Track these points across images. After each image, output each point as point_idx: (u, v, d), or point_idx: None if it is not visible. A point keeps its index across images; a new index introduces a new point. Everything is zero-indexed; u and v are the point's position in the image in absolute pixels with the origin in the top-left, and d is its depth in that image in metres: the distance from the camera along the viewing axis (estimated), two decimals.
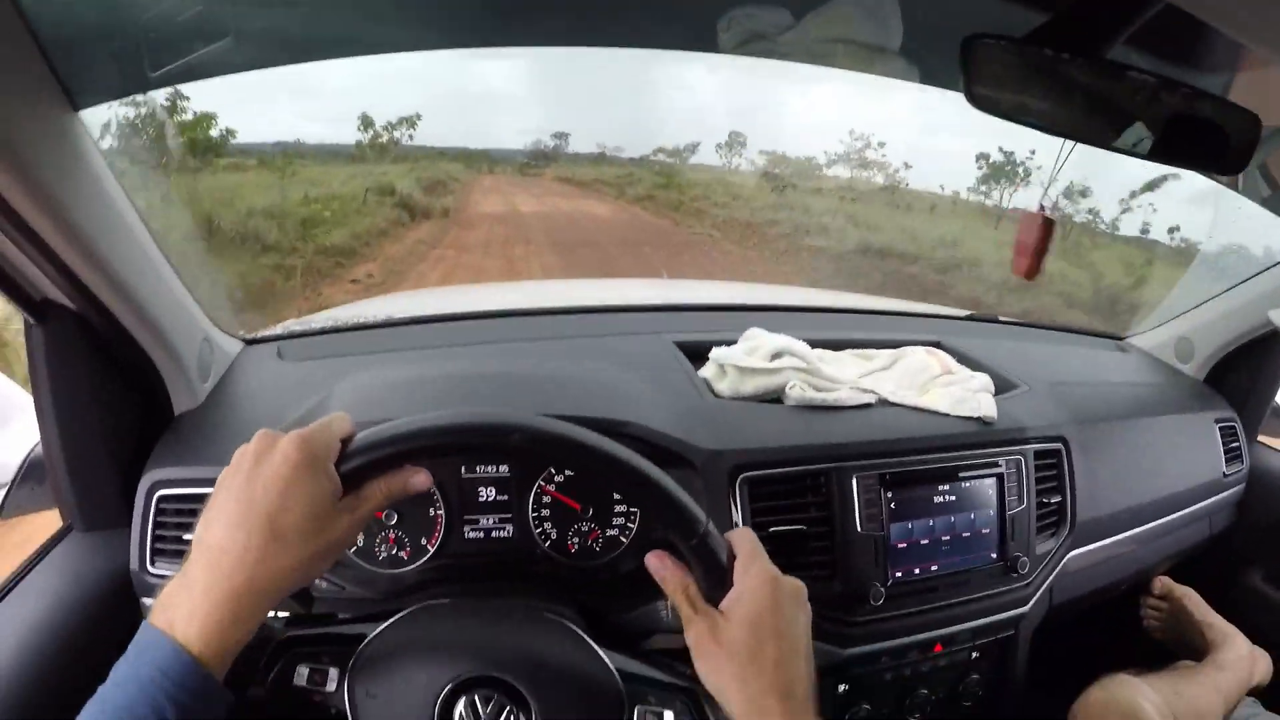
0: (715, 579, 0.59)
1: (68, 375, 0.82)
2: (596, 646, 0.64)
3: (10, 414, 1.07)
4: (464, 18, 0.88)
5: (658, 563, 0.61)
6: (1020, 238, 0.98)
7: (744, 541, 0.60)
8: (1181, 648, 1.26)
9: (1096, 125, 0.79)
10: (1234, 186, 1.25)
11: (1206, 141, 0.77)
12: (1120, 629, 1.36)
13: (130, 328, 0.82)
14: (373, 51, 0.93)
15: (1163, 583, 1.32)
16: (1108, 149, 0.82)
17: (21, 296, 0.75)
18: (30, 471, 1.00)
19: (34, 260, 0.70)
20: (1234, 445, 1.36)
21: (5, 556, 0.88)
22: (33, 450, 0.99)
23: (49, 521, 0.91)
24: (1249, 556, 1.40)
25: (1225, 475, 1.33)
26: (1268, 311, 1.28)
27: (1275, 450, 1.47)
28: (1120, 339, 1.57)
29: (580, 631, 0.65)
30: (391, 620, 0.62)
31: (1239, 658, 1.16)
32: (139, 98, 0.88)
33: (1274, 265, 1.27)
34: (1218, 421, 1.35)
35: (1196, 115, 0.76)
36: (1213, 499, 1.32)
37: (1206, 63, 0.91)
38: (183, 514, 0.84)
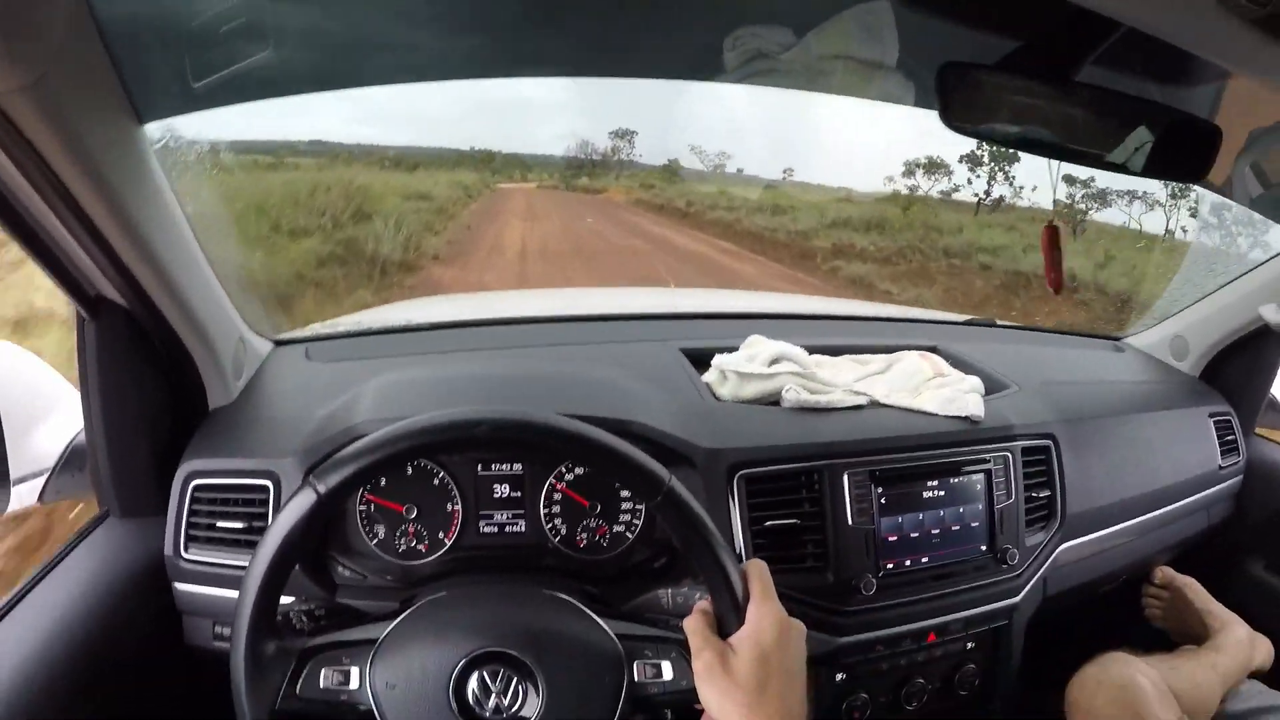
0: (730, 609, 0.65)
1: (114, 369, 0.88)
2: (593, 614, 0.70)
3: (53, 405, 1.13)
4: (477, 51, 0.95)
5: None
6: (1045, 258, 1.00)
7: (757, 581, 0.66)
8: (1183, 636, 1.29)
9: (1068, 143, 0.84)
10: (1224, 191, 1.29)
11: (1172, 153, 0.81)
12: (1121, 619, 1.40)
13: (176, 326, 0.88)
14: (393, 81, 1.00)
15: (1164, 572, 1.35)
16: (1080, 164, 0.87)
17: (78, 292, 0.82)
18: (72, 459, 1.06)
19: (94, 258, 0.76)
20: (1230, 438, 1.40)
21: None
22: (74, 439, 1.05)
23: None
24: (1249, 546, 1.43)
25: (1221, 468, 1.37)
26: (1258, 307, 1.31)
27: (1273, 442, 1.50)
28: (1117, 339, 1.61)
29: (577, 602, 0.72)
30: (401, 616, 0.68)
31: (1237, 641, 1.19)
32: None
33: (1263, 262, 1.31)
34: (1212, 416, 1.38)
35: (1163, 129, 0.81)
36: (1209, 491, 1.35)
37: (1175, 79, 0.96)
38: (215, 503, 0.91)
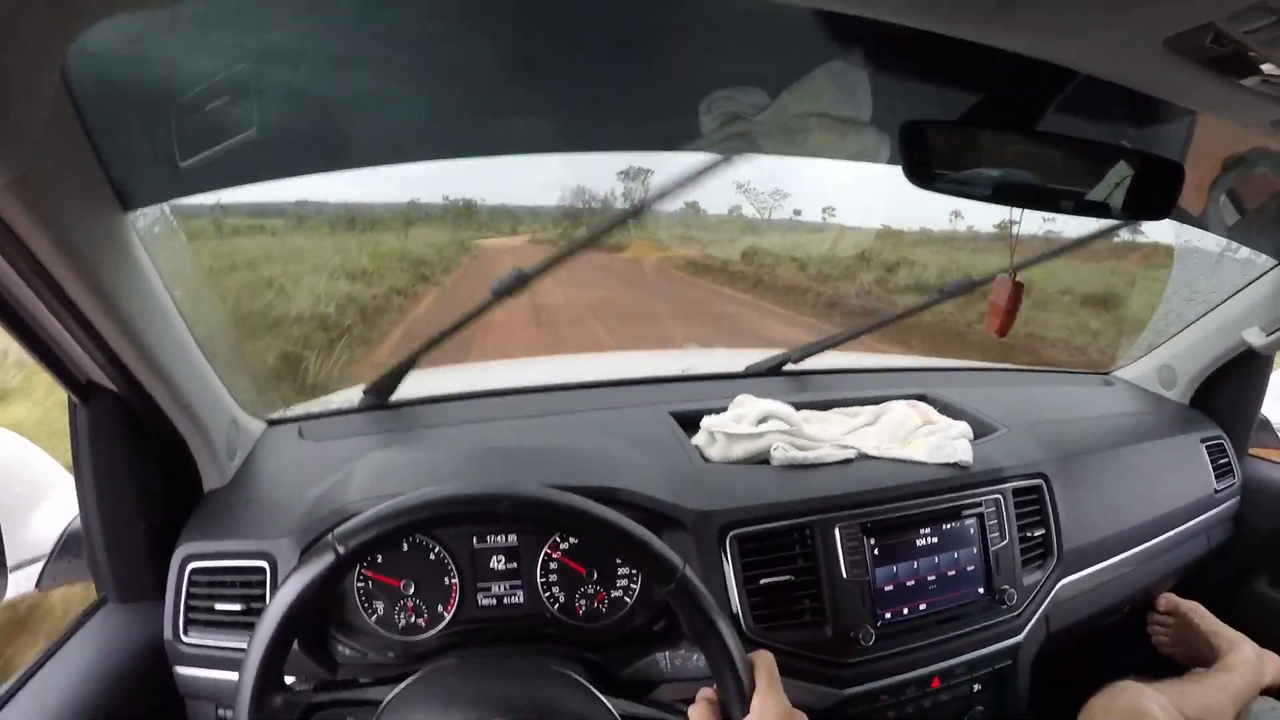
0: (735, 698, 0.67)
1: (107, 453, 0.89)
2: (599, 694, 0.71)
3: (49, 490, 1.14)
4: (459, 132, 0.98)
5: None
6: (993, 299, 1.01)
7: (764, 672, 0.68)
8: (1191, 660, 1.27)
9: (1034, 192, 0.86)
10: (1200, 223, 1.31)
11: (1138, 193, 0.83)
12: (1128, 648, 1.39)
13: (166, 409, 0.89)
14: (373, 164, 1.02)
15: (1168, 599, 1.34)
16: (1046, 210, 0.89)
17: (69, 379, 0.83)
18: (68, 544, 1.07)
19: (83, 345, 0.77)
20: (1224, 461, 1.41)
21: None
22: (70, 524, 1.05)
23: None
24: (1252, 565, 1.43)
25: (1217, 491, 1.37)
26: (1241, 332, 1.33)
27: (1268, 461, 1.51)
28: (1106, 374, 1.62)
29: (583, 680, 0.72)
30: (408, 681, 0.69)
31: (1246, 660, 1.18)
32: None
33: (1242, 288, 1.33)
34: (1204, 441, 1.39)
35: (1124, 170, 0.83)
36: (1207, 515, 1.36)
37: (1131, 119, 0.99)
38: (214, 585, 0.91)
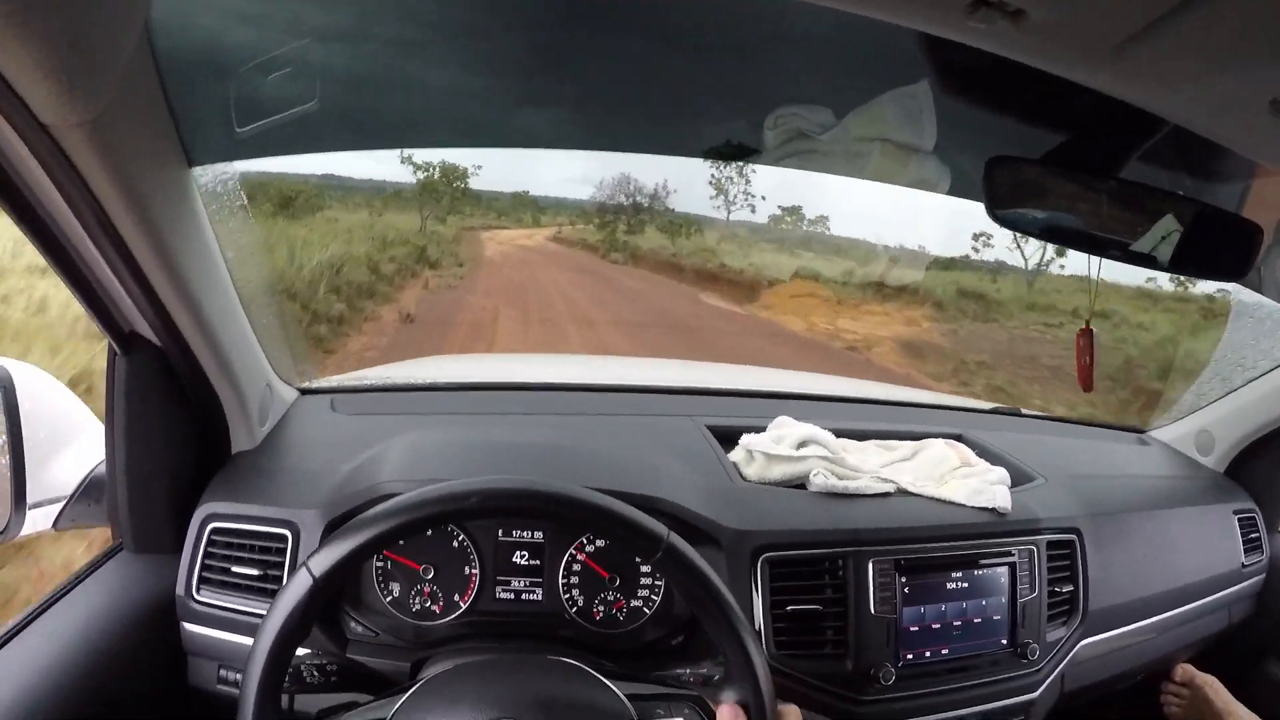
0: (739, 666, 0.65)
1: (142, 405, 0.89)
2: (602, 678, 0.70)
3: (75, 433, 1.14)
4: (523, 124, 0.97)
5: None
6: (1077, 359, 0.99)
7: None
8: None
9: (1112, 240, 0.84)
10: (1254, 286, 1.29)
11: (1214, 251, 0.82)
12: (1137, 717, 1.36)
13: (206, 367, 0.89)
14: (437, 145, 1.02)
15: (1184, 670, 1.32)
16: (1123, 262, 0.87)
17: (112, 327, 0.83)
18: (90, 489, 1.06)
19: (133, 295, 0.77)
20: (1254, 536, 1.38)
21: None
22: (94, 469, 1.05)
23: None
24: (1270, 647, 1.40)
25: (1244, 566, 1.34)
26: None
27: None
28: (1142, 432, 1.60)
29: (586, 667, 0.71)
30: (409, 693, 0.68)
31: None
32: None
33: None
34: (1237, 513, 1.37)
35: (1204, 227, 0.81)
36: (1232, 589, 1.33)
37: (1214, 176, 0.97)
38: (231, 547, 0.91)
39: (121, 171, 0.64)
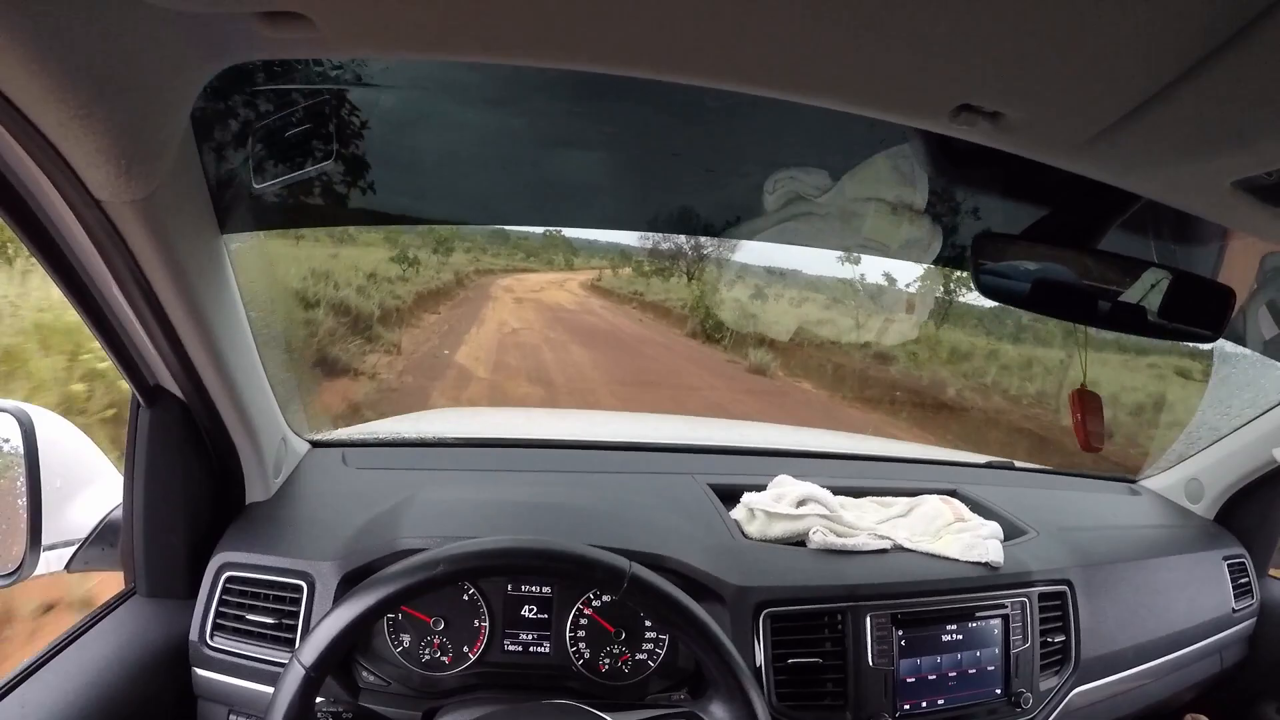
0: (719, 670, 0.70)
1: (162, 455, 0.91)
2: (596, 712, 0.73)
3: (90, 478, 1.16)
4: (532, 201, 1.01)
5: None
6: (1073, 417, 1.00)
7: None
8: None
9: (1091, 308, 0.88)
10: (1238, 339, 1.33)
11: (1191, 315, 0.86)
12: None
13: (227, 420, 0.92)
14: (457, 223, 1.06)
15: (1192, 718, 1.34)
16: (1102, 327, 0.91)
17: (139, 380, 0.86)
18: (104, 533, 1.08)
19: (161, 351, 0.81)
20: (1244, 581, 1.41)
21: None
22: (109, 514, 1.07)
23: None
24: (1262, 690, 1.42)
25: (1235, 611, 1.37)
26: (1272, 450, 1.34)
27: None
28: (1133, 481, 1.63)
29: (580, 705, 0.74)
30: None
31: None
32: None
33: (1276, 405, 1.34)
34: (1226, 559, 1.39)
35: (1180, 292, 0.85)
36: (1223, 634, 1.35)
37: (1188, 241, 1.01)
38: (246, 595, 0.93)
39: (165, 243, 0.68)
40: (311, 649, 0.66)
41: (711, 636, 0.70)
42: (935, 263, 1.06)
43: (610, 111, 0.89)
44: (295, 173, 0.89)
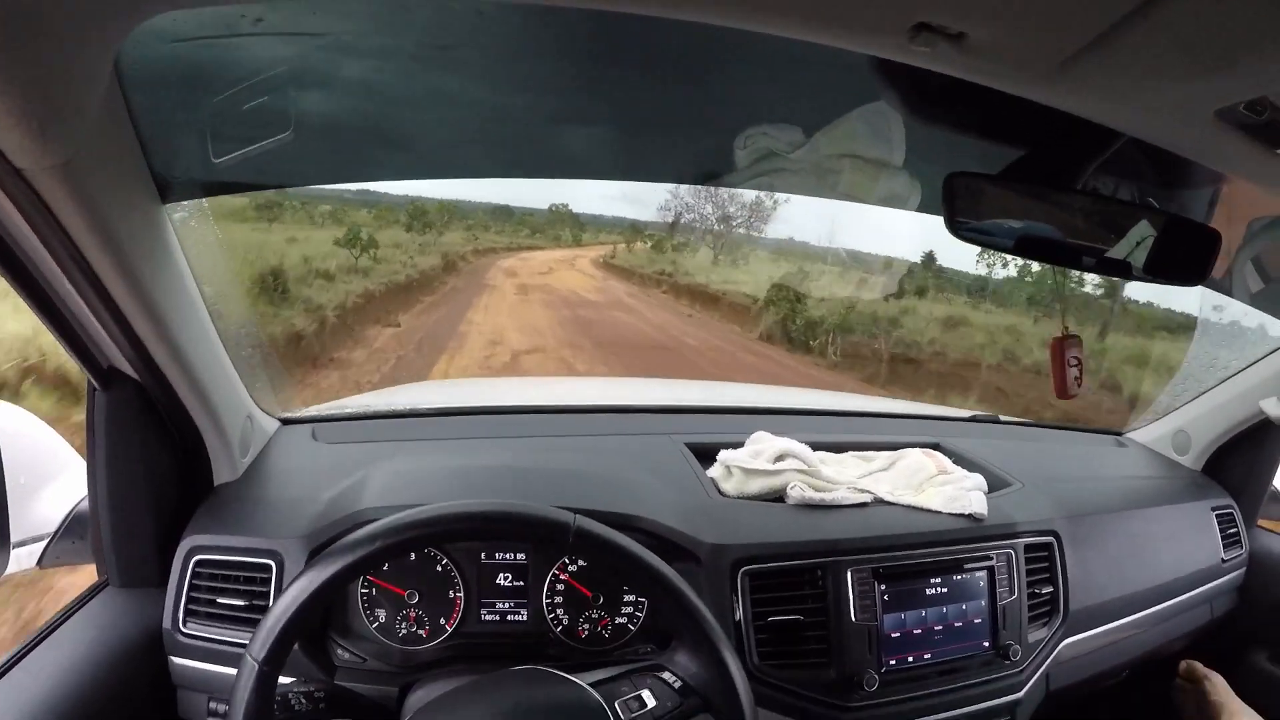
0: (678, 613, 0.70)
1: (122, 440, 0.89)
2: (564, 674, 0.72)
3: (57, 471, 1.14)
4: (494, 154, 0.99)
5: None
6: (1051, 365, 1.01)
7: None
8: None
9: (1070, 249, 0.86)
10: (1223, 287, 1.32)
11: (1174, 258, 0.84)
12: (1124, 713, 1.38)
13: (185, 400, 0.90)
14: (406, 177, 1.03)
15: (1188, 665, 1.33)
16: (1081, 270, 0.89)
17: (91, 363, 0.83)
18: (73, 526, 1.06)
19: (109, 331, 0.78)
20: (1232, 531, 1.40)
21: None
22: (77, 506, 1.05)
23: None
24: (1253, 638, 1.42)
25: (1224, 561, 1.37)
26: (1259, 401, 1.33)
27: (1275, 534, 1.50)
28: (1119, 434, 1.62)
29: (549, 669, 0.73)
30: None
31: None
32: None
33: (1263, 357, 1.33)
34: (1215, 509, 1.39)
35: (1164, 235, 0.83)
36: (1212, 584, 1.35)
37: (1175, 184, 0.99)
38: (216, 579, 0.91)
39: (95, 212, 0.65)
40: (260, 642, 0.65)
41: (668, 585, 0.68)
42: (921, 210, 1.04)
43: (571, 53, 0.86)
44: (245, 139, 0.87)
